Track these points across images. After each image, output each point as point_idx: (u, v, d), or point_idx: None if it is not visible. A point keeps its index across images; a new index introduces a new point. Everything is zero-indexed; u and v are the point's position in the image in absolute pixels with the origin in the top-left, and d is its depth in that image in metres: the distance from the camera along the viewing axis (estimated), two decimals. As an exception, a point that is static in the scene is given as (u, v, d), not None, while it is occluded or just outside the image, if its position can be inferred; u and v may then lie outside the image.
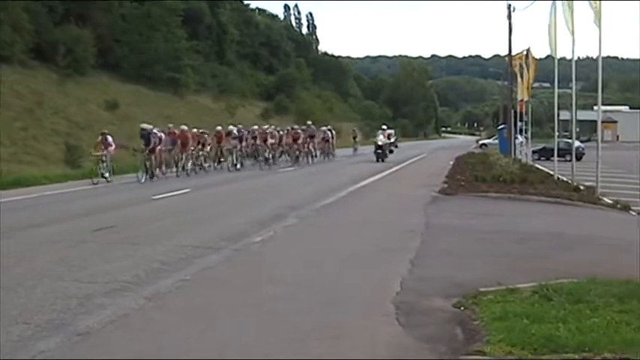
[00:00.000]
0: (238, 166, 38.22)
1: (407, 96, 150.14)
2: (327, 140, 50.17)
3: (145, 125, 32.28)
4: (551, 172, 29.42)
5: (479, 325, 7.61)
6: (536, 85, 57.18)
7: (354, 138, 61.15)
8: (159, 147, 31.91)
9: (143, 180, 29.32)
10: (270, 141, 42.18)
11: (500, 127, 61.96)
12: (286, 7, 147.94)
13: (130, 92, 63.88)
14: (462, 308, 8.38)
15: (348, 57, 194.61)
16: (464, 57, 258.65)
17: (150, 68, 70.15)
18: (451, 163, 39.47)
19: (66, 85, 55.76)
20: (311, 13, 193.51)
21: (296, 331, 7.67)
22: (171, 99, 70.90)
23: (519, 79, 40.36)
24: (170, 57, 72.70)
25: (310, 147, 46.11)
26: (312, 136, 46.81)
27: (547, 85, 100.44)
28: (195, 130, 37.71)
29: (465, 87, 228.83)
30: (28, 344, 7.14)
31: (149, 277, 10.24)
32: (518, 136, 47.88)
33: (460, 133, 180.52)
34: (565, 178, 27.13)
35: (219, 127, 40.70)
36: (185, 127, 35.98)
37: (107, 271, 10.65)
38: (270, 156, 41.38)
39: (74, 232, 14.80)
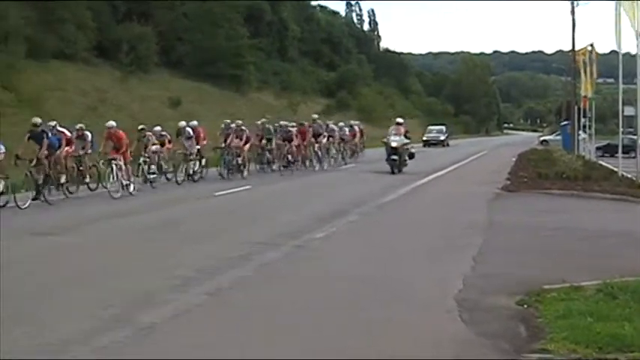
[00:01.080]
0: (197, 177, 26.77)
1: (469, 92, 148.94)
2: (344, 140, 39.50)
3: (37, 120, 20.50)
4: (615, 169, 28.98)
5: (542, 323, 7.56)
6: (600, 80, 56.38)
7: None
8: (73, 151, 22.36)
9: (26, 205, 18.24)
10: (234, 142, 29.26)
11: (563, 123, 61.32)
12: (348, 4, 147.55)
13: (192, 89, 64.37)
14: (525, 306, 8.33)
15: (410, 53, 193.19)
16: (526, 53, 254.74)
17: (212, 65, 70.49)
18: (513, 159, 39.04)
19: (129, 82, 56.43)
20: (373, 10, 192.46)
21: (358, 326, 7.69)
22: (234, 96, 71.22)
23: (583, 74, 39.83)
24: (232, 54, 73.02)
25: (317, 149, 35.10)
26: (318, 135, 35.21)
27: (611, 80, 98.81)
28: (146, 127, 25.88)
29: (527, 83, 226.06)
30: (95, 337, 7.25)
31: (211, 273, 10.30)
32: (581, 133, 47.23)
33: (522, 130, 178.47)
34: (629, 175, 26.72)
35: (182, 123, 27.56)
36: (113, 123, 22.87)
37: (168, 266, 10.79)
38: (241, 162, 29.16)
39: (136, 228, 15.01)
